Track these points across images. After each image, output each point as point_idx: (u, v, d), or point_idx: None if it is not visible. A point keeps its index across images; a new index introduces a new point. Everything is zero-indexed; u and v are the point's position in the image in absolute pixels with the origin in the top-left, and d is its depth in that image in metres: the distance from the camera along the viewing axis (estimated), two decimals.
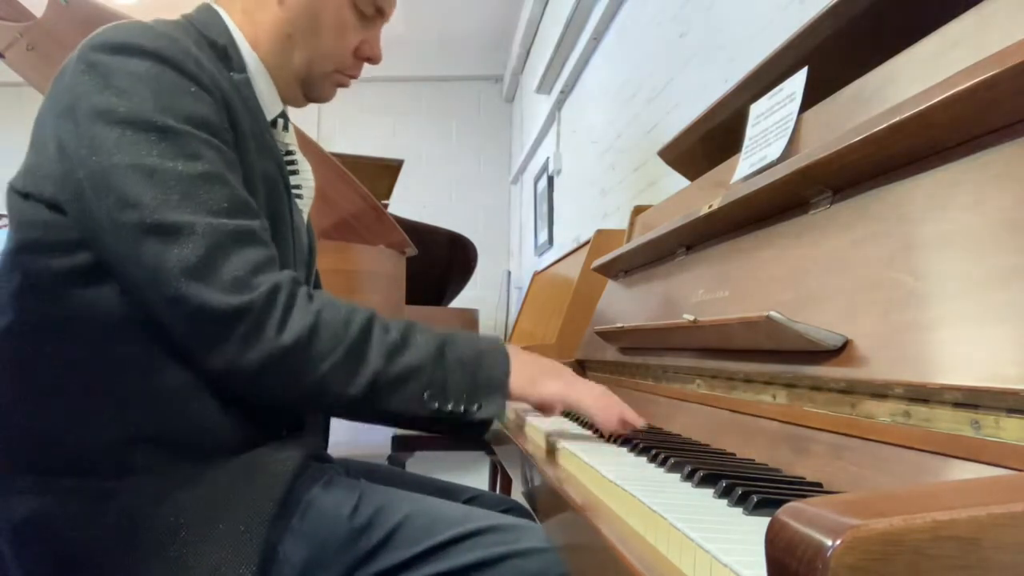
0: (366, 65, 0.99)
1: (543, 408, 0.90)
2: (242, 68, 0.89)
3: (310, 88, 0.96)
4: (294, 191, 0.97)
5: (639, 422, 0.88)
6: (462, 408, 0.81)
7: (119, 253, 0.75)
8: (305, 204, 1.01)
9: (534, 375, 0.86)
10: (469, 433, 0.84)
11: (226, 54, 0.88)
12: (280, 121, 0.96)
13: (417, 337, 0.82)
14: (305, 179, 1.01)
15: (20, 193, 0.80)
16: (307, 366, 0.76)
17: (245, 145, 0.84)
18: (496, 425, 0.99)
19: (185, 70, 0.79)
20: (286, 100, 0.96)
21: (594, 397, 0.87)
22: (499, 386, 0.83)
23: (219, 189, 0.77)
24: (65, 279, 0.77)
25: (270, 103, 0.93)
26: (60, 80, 0.79)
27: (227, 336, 0.74)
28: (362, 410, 0.80)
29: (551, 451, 0.90)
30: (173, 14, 0.91)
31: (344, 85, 0.99)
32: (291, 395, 0.78)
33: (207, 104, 0.80)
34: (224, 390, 0.79)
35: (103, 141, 0.74)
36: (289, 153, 0.98)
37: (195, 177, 0.76)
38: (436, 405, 0.80)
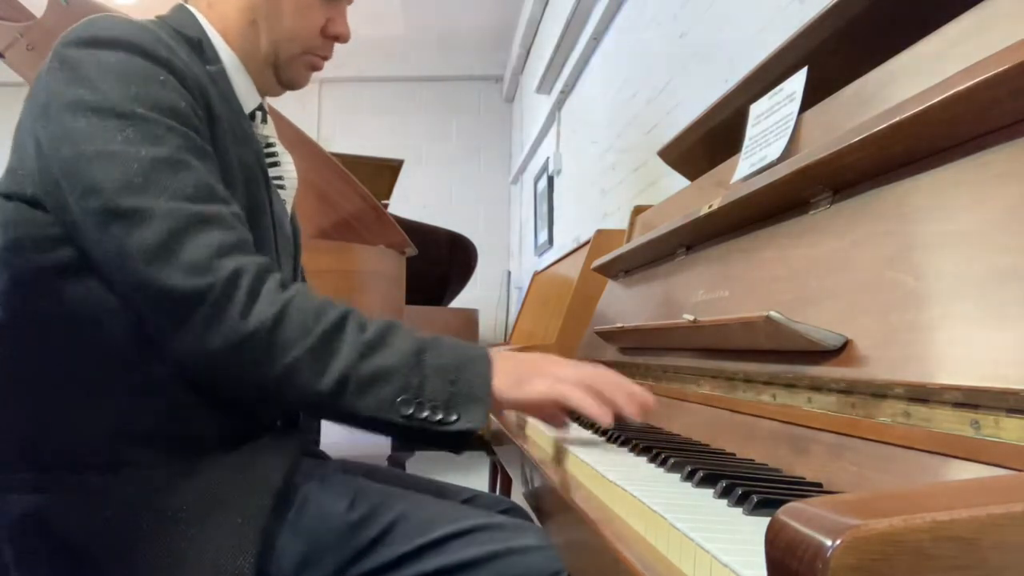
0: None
1: (534, 411, 0.87)
2: (216, 60, 0.90)
3: (281, 73, 0.96)
4: (276, 182, 0.97)
5: (646, 398, 0.81)
6: (439, 417, 0.76)
7: (89, 241, 0.75)
8: (288, 195, 1.01)
9: (519, 377, 0.79)
10: (446, 447, 0.79)
11: (200, 48, 0.88)
12: (259, 114, 0.96)
13: (395, 338, 0.77)
14: (287, 171, 1.01)
15: (3, 195, 0.81)
16: (271, 354, 0.74)
17: (221, 133, 0.84)
18: (496, 425, 0.97)
19: (156, 57, 0.79)
20: (262, 90, 0.96)
21: (583, 389, 0.78)
22: (480, 396, 0.77)
23: (184, 174, 0.76)
24: (51, 275, 0.78)
25: (247, 96, 0.93)
26: (38, 80, 0.80)
27: (188, 319, 0.73)
28: (330, 409, 0.76)
29: (551, 451, 0.90)
30: None
31: (317, 67, 0.98)
32: (255, 385, 0.76)
33: (176, 91, 0.79)
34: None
35: (71, 132, 0.75)
36: (269, 145, 0.98)
37: (159, 162, 0.75)
38: (410, 411, 0.75)
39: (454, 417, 0.76)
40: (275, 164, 0.98)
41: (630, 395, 0.80)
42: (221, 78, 0.88)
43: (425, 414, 0.75)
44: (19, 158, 0.80)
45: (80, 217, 0.75)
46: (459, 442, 0.77)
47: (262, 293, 0.75)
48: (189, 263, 0.73)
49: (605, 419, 0.78)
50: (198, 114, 0.81)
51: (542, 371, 0.80)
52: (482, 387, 0.77)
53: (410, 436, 0.77)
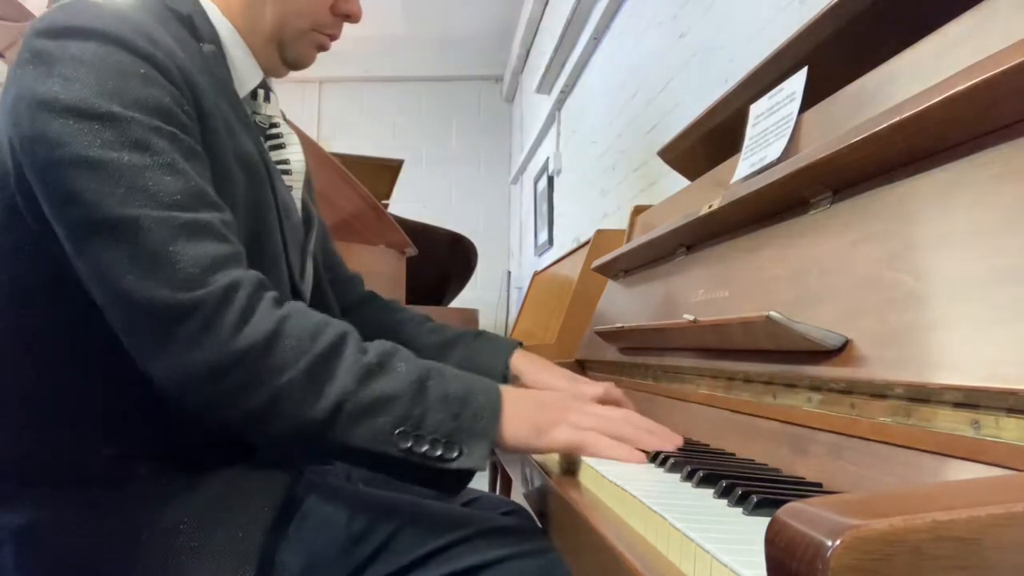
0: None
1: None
2: (212, 38, 0.83)
3: (286, 50, 0.90)
4: (280, 167, 0.91)
5: (671, 444, 0.77)
6: (438, 452, 0.69)
7: (71, 252, 0.69)
8: (295, 180, 0.95)
9: (540, 424, 0.74)
10: (442, 487, 0.71)
11: (192, 24, 0.82)
12: (260, 92, 0.90)
13: (398, 364, 0.71)
14: (293, 153, 0.94)
15: None
16: (261, 377, 0.67)
17: (213, 125, 0.77)
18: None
19: (136, 49, 0.72)
20: (265, 69, 0.90)
21: (608, 442, 0.74)
22: (484, 432, 0.70)
23: (170, 180, 0.69)
24: (50, 287, 0.74)
25: (247, 74, 0.88)
26: (10, 73, 0.73)
27: (173, 335, 0.66)
28: (319, 440, 0.69)
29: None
30: None
31: (324, 47, 0.92)
32: (239, 410, 0.68)
33: (159, 86, 0.72)
34: None
35: (46, 133, 0.68)
36: (273, 126, 0.92)
37: (143, 168, 0.69)
38: (408, 445, 0.68)
39: (455, 454, 0.69)
40: (279, 147, 0.92)
41: (649, 432, 0.77)
42: (214, 60, 0.82)
43: (424, 448, 0.69)
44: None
45: (58, 226, 0.69)
46: (457, 483, 0.71)
47: (257, 310, 0.69)
48: (179, 276, 0.67)
49: (635, 458, 0.73)
50: (185, 110, 0.74)
51: (562, 419, 0.75)
52: (488, 423, 0.71)
53: (405, 473, 0.70)
